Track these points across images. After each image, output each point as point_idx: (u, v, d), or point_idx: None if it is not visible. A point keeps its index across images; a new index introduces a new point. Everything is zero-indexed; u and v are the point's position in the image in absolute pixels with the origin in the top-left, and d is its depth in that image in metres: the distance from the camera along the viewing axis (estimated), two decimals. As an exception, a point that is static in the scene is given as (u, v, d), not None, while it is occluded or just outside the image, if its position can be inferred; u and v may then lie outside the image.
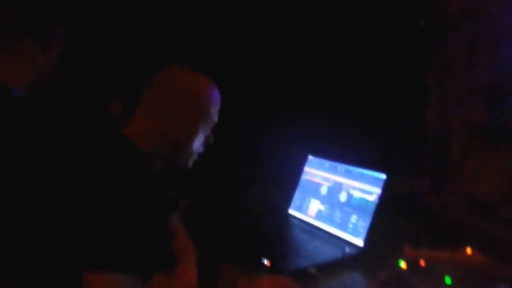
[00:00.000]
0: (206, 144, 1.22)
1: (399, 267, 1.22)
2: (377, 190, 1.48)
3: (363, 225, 1.45)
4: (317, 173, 1.74)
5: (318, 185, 1.70)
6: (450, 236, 1.40)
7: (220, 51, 1.86)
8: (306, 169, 1.79)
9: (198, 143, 1.18)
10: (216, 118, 1.21)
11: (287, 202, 1.75)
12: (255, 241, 1.47)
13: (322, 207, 1.63)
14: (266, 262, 1.26)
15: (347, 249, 1.40)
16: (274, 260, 1.26)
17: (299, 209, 1.71)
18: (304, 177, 1.78)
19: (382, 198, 1.46)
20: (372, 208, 1.46)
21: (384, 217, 1.47)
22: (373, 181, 1.51)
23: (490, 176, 1.59)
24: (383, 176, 1.49)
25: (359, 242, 1.43)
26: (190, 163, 1.22)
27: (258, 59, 1.93)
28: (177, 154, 1.17)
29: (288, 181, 1.77)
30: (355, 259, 1.37)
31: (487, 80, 1.70)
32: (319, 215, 1.62)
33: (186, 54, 1.26)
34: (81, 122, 1.38)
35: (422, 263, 1.25)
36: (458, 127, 1.82)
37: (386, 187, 1.47)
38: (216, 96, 1.19)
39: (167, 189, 1.21)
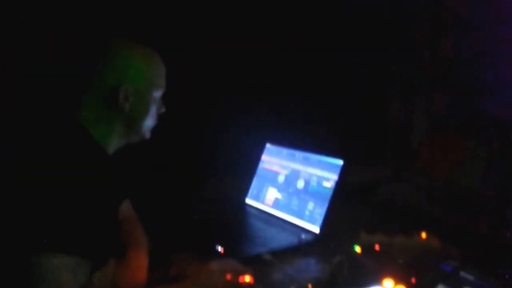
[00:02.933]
0: (158, 115, 1.26)
1: (354, 252, 1.30)
2: (335, 177, 1.55)
3: (320, 212, 1.51)
4: (275, 161, 1.79)
5: (276, 173, 1.75)
6: (405, 222, 1.49)
7: (175, 36, 1.88)
8: (264, 157, 1.84)
9: (150, 115, 1.22)
10: (164, 86, 1.24)
11: (244, 191, 1.80)
12: (209, 230, 1.51)
13: (279, 195, 1.69)
14: (220, 249, 1.31)
15: (303, 236, 1.47)
16: (228, 247, 1.31)
17: (256, 198, 1.77)
18: (262, 165, 1.83)
19: (339, 184, 1.53)
20: (329, 194, 1.53)
21: (342, 204, 1.55)
22: (330, 168, 1.57)
23: (446, 164, 1.69)
24: (340, 162, 1.56)
25: (316, 229, 1.49)
26: (147, 135, 1.25)
27: (214, 47, 1.96)
28: (131, 129, 1.20)
29: (245, 170, 1.83)
30: (311, 245, 1.43)
31: (449, 71, 1.81)
32: (276, 204, 1.68)
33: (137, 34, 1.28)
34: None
35: (377, 247, 1.34)
36: (418, 117, 1.93)
37: (343, 173, 1.54)
38: (160, 63, 1.22)
39: (120, 176, 1.23)
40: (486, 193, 1.53)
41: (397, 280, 1.03)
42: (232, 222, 1.63)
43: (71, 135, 1.10)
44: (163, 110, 1.28)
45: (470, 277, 1.00)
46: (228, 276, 1.08)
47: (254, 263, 1.23)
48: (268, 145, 1.85)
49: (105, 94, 1.14)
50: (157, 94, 1.22)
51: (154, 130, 1.26)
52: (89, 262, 0.96)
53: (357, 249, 1.30)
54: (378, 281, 1.04)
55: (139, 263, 1.14)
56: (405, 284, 1.01)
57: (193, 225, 1.52)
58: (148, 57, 1.20)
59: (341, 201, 1.53)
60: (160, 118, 1.27)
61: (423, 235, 1.36)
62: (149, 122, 1.23)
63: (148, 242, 1.24)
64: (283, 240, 1.45)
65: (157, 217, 1.44)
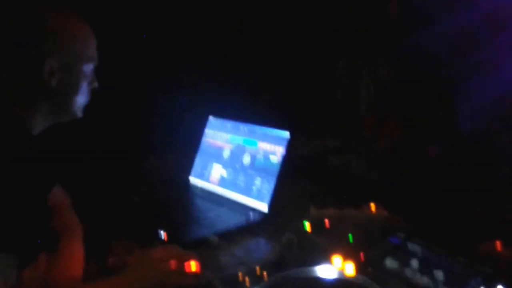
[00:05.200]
0: (91, 91, 1.22)
1: (304, 229, 1.32)
2: (282, 150, 1.55)
3: (268, 188, 1.51)
4: (219, 135, 1.78)
5: (220, 149, 1.74)
6: (355, 194, 1.53)
7: (107, 3, 1.81)
8: (207, 131, 1.82)
9: (81, 92, 1.18)
10: (95, 59, 1.20)
11: (187, 169, 1.78)
12: (150, 214, 1.48)
13: (225, 172, 1.68)
14: (162, 234, 1.29)
15: (251, 215, 1.48)
16: (171, 232, 1.29)
17: (201, 176, 1.74)
18: (205, 140, 1.81)
19: (286, 158, 1.54)
20: (276, 169, 1.53)
21: (290, 178, 1.57)
22: (278, 141, 1.57)
23: (391, 131, 1.75)
24: (287, 134, 1.56)
25: (264, 206, 1.49)
26: (79, 113, 1.21)
27: (150, 15, 1.90)
28: (60, 108, 1.16)
29: (188, 147, 1.80)
30: (259, 224, 1.43)
31: (395, 37, 1.84)
32: (222, 181, 1.67)
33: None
34: None
35: (327, 223, 1.37)
36: (365, 85, 1.96)
37: (290, 146, 1.55)
38: (89, 33, 1.18)
39: (49, 159, 1.19)
40: (433, 160, 1.60)
41: (346, 257, 1.06)
42: (175, 203, 1.60)
43: None
44: (96, 85, 1.23)
45: (418, 249, 1.05)
46: (173, 264, 1.07)
47: (200, 247, 1.23)
48: (211, 119, 1.83)
49: (27, 69, 1.08)
50: (88, 67, 1.18)
51: (87, 107, 1.23)
52: (15, 257, 0.93)
53: (307, 225, 1.32)
54: (328, 258, 1.07)
55: (74, 255, 1.11)
56: (354, 260, 1.04)
57: (133, 209, 1.49)
58: (76, 26, 1.16)
59: (289, 175, 1.55)
60: (93, 94, 1.23)
61: (372, 206, 1.41)
62: (80, 99, 1.19)
63: (84, 230, 1.22)
64: (230, 220, 1.45)
65: (93, 202, 1.41)
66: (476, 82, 1.47)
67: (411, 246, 1.07)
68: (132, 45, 1.86)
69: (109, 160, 1.76)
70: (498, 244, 1.11)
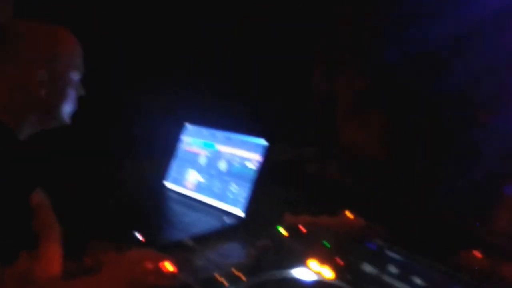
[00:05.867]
0: (78, 98, 1.25)
1: (279, 234, 1.34)
2: (258, 157, 1.58)
3: (244, 194, 1.54)
4: (195, 141, 1.80)
5: (196, 155, 1.76)
6: (330, 201, 1.56)
7: (87, 12, 1.81)
8: (184, 138, 1.84)
9: (69, 100, 1.20)
10: (82, 67, 1.24)
11: (163, 175, 1.79)
12: (126, 216, 1.48)
13: (200, 178, 1.70)
14: (139, 236, 1.30)
15: (226, 220, 1.50)
16: (147, 234, 1.30)
17: (176, 181, 1.76)
18: (181, 147, 1.83)
19: (263, 165, 1.57)
20: (252, 176, 1.55)
21: (266, 185, 1.59)
22: (253, 148, 1.60)
23: (367, 139, 1.79)
24: (264, 142, 1.58)
25: (239, 212, 1.52)
26: (68, 121, 1.24)
27: (129, 24, 1.91)
28: (49, 116, 1.19)
29: (164, 153, 1.81)
30: (235, 229, 1.46)
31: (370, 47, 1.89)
32: (198, 187, 1.69)
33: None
34: None
35: (302, 229, 1.39)
36: (342, 93, 2.00)
37: (267, 154, 1.58)
38: (75, 43, 1.22)
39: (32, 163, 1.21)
40: (412, 169, 1.64)
41: (322, 261, 1.08)
42: (151, 207, 1.62)
43: None
44: (83, 92, 1.27)
45: (395, 256, 1.07)
46: (148, 265, 1.08)
47: (176, 250, 1.24)
48: (187, 125, 1.85)
49: (16, 79, 1.12)
50: (76, 76, 1.21)
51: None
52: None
53: (282, 230, 1.34)
54: (303, 262, 1.09)
55: (53, 254, 1.11)
56: (330, 264, 1.07)
57: (109, 212, 1.49)
58: (62, 37, 1.20)
59: (265, 182, 1.58)
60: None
61: (348, 213, 1.44)
62: (68, 107, 1.23)
63: (62, 230, 1.22)
64: (205, 224, 1.47)
65: (70, 204, 1.40)
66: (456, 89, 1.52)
67: (388, 252, 1.09)
68: (109, 52, 1.86)
69: (86, 164, 1.75)
70: (477, 252, 1.15)
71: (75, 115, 1.27)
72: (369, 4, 1.90)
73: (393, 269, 1.03)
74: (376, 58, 1.84)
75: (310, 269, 1.08)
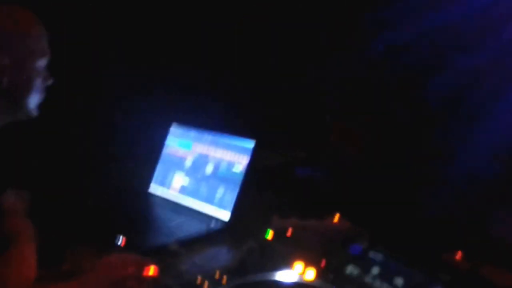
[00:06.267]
0: (45, 87, 1.20)
1: (266, 237, 1.33)
2: (245, 160, 1.56)
3: (231, 197, 1.52)
4: (182, 143, 1.78)
5: (183, 157, 1.74)
6: (318, 205, 1.55)
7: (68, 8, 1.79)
8: (170, 139, 1.80)
9: (35, 90, 1.16)
10: (48, 53, 1.18)
11: (148, 178, 1.76)
12: (109, 220, 1.45)
13: (187, 181, 1.67)
14: (121, 241, 1.28)
15: (213, 223, 1.48)
16: (130, 239, 1.28)
17: (162, 184, 1.73)
18: (167, 149, 1.80)
19: (250, 167, 1.56)
20: (239, 179, 1.53)
21: (254, 188, 1.58)
22: (242, 151, 1.58)
23: (356, 144, 1.79)
24: (251, 144, 1.57)
25: (226, 215, 1.50)
26: (34, 112, 1.19)
27: (110, 15, 1.89)
28: (13, 107, 1.14)
29: (149, 155, 1.79)
30: (221, 233, 1.44)
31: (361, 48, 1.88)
32: (184, 190, 1.66)
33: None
34: None
35: (289, 232, 1.38)
36: (330, 99, 2.00)
37: (255, 156, 1.57)
38: (40, 27, 1.16)
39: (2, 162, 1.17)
40: (396, 172, 1.64)
41: (307, 263, 1.07)
42: (135, 211, 1.58)
43: None
44: (50, 82, 1.21)
45: (378, 257, 1.07)
46: (130, 269, 1.06)
47: (159, 255, 1.22)
48: (174, 127, 1.83)
49: None
50: (41, 63, 1.16)
51: (47, 109, 1.21)
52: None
53: (269, 234, 1.33)
54: (289, 265, 1.08)
55: (25, 259, 1.08)
56: (315, 266, 1.06)
57: (91, 216, 1.46)
58: (26, 21, 1.14)
59: (253, 185, 1.56)
60: (49, 91, 1.21)
61: (335, 217, 1.43)
62: (35, 97, 1.17)
63: (39, 235, 1.19)
64: (191, 228, 1.44)
65: (49, 208, 1.38)
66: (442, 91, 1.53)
67: (373, 254, 1.09)
68: (95, 49, 1.85)
69: (69, 166, 1.73)
70: (458, 253, 1.15)
71: (54, 114, 1.24)
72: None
73: (375, 270, 1.04)
74: (363, 63, 1.83)
75: (293, 271, 1.06)
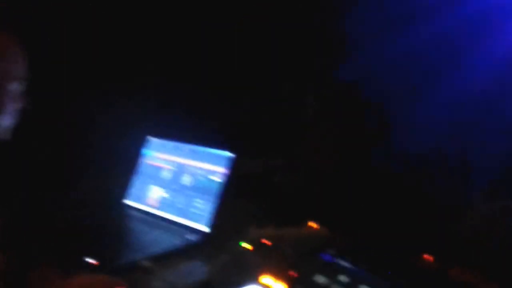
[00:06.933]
0: (19, 112, 1.19)
1: (240, 249, 1.31)
2: (223, 170, 1.54)
3: (208, 209, 1.49)
4: (158, 155, 1.75)
5: (159, 169, 1.71)
6: (295, 212, 1.53)
7: (32, 17, 1.77)
8: (145, 151, 1.78)
9: (7, 113, 1.15)
10: (23, 76, 1.17)
11: (122, 191, 1.73)
12: (77, 238, 1.40)
13: (163, 194, 1.64)
14: (89, 261, 1.25)
15: (190, 236, 1.45)
16: (99, 258, 1.25)
17: (137, 198, 1.70)
18: (143, 161, 1.77)
19: (229, 178, 1.53)
20: (218, 190, 1.51)
21: (232, 198, 1.56)
22: (219, 161, 1.56)
23: (331, 150, 1.77)
24: (230, 155, 1.55)
25: (204, 228, 1.47)
26: (6, 136, 1.18)
27: (82, 26, 1.87)
28: None
29: (123, 168, 1.77)
30: (198, 246, 1.41)
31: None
32: (160, 203, 1.63)
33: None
34: None
35: (267, 242, 1.36)
36: (307, 103, 1.98)
37: (233, 167, 1.54)
38: (14, 49, 1.15)
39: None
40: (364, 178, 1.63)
41: (277, 275, 1.05)
42: (107, 227, 1.53)
43: None
44: (23, 105, 1.20)
45: (347, 265, 1.06)
46: (97, 292, 1.04)
47: (130, 273, 1.20)
48: (150, 139, 1.81)
49: None
50: (14, 87, 1.14)
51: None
52: None
53: (244, 245, 1.31)
54: (256, 278, 1.06)
55: None
56: (283, 277, 1.04)
57: (58, 234, 1.42)
58: (1, 43, 1.13)
59: (231, 195, 1.54)
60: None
61: (312, 225, 1.42)
62: (6, 121, 1.16)
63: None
64: (166, 243, 1.41)
65: (13, 226, 1.35)
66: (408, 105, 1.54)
67: (342, 262, 1.07)
68: (66, 61, 1.82)
69: (36, 181, 1.69)
70: (426, 256, 1.14)
71: (23, 127, 1.22)
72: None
73: (343, 278, 1.02)
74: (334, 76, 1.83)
75: (262, 284, 1.04)
